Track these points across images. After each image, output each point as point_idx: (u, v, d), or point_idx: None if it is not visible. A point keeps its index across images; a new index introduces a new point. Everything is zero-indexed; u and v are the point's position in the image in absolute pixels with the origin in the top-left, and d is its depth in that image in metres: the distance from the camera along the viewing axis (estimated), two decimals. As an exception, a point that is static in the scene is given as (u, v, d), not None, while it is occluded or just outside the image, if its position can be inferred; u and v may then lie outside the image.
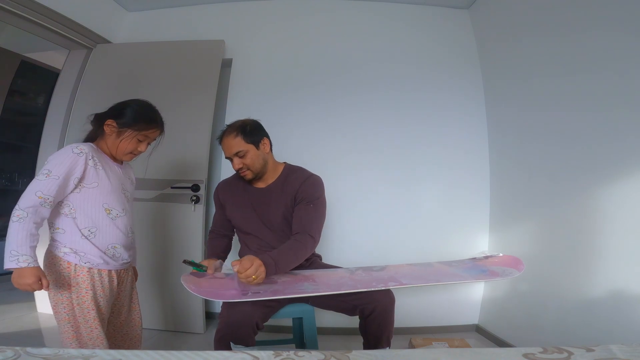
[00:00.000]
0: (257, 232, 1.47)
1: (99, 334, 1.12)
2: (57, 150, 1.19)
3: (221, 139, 1.43)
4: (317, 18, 2.43)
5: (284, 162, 1.55)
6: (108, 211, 1.19)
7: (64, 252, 1.13)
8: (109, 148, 1.24)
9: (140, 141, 1.24)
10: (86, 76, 2.33)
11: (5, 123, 2.95)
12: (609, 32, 1.44)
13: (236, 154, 1.39)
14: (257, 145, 1.42)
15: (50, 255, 1.15)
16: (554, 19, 1.74)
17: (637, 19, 1.31)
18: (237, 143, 1.38)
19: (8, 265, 1.00)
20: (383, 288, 1.23)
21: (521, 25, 1.99)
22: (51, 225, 1.16)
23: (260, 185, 1.50)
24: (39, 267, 1.03)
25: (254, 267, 1.15)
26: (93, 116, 1.25)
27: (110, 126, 1.20)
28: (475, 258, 1.69)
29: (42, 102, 3.21)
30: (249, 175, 1.43)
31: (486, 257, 1.66)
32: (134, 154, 1.26)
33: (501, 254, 1.55)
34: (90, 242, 1.15)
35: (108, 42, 2.39)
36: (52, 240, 1.17)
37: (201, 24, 2.45)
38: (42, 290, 1.04)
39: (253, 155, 1.40)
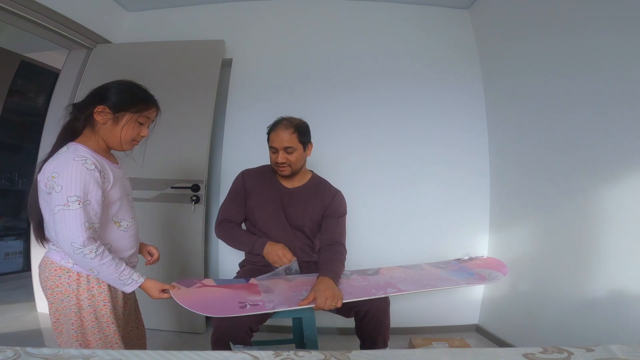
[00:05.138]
0: (279, 230, 1.48)
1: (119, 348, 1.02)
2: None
3: (274, 128, 1.45)
4: (318, 18, 2.43)
5: (310, 170, 1.61)
6: (118, 224, 1.08)
7: (72, 263, 0.99)
8: (104, 140, 1.06)
9: (141, 124, 1.09)
10: (86, 76, 2.32)
11: (5, 123, 2.94)
12: (609, 32, 1.44)
13: (285, 149, 1.42)
14: (304, 147, 1.48)
15: (53, 267, 1.00)
16: (554, 18, 1.74)
17: (637, 19, 1.31)
18: (291, 139, 1.42)
19: (130, 289, 1.03)
20: (383, 295, 1.27)
21: (521, 25, 1.99)
22: (52, 237, 1.01)
23: (288, 184, 1.53)
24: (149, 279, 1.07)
25: (335, 295, 1.22)
26: (71, 107, 1.07)
27: (103, 113, 1.03)
28: (460, 259, 1.75)
29: (42, 102, 3.20)
30: (287, 171, 1.46)
31: (470, 259, 1.74)
32: (136, 140, 1.11)
33: (485, 256, 1.63)
34: None
35: (108, 42, 2.39)
36: (55, 247, 1.01)
37: (201, 24, 2.45)
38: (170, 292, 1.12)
39: (298, 155, 1.45)
